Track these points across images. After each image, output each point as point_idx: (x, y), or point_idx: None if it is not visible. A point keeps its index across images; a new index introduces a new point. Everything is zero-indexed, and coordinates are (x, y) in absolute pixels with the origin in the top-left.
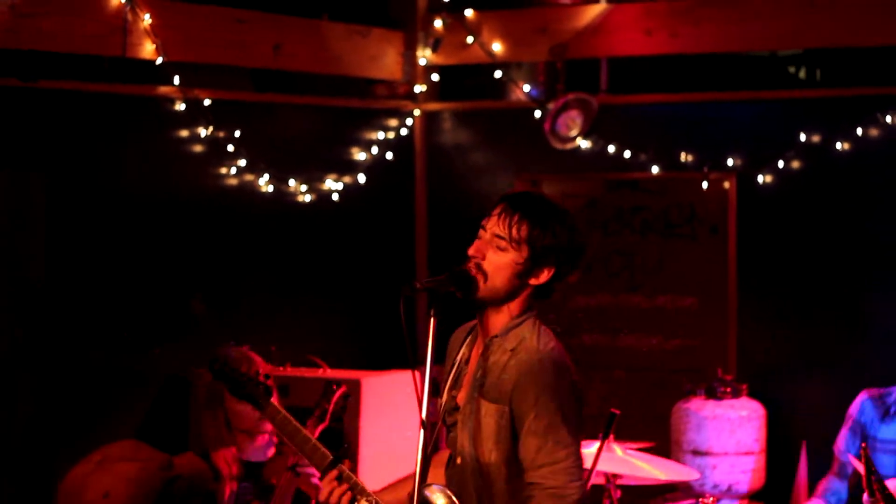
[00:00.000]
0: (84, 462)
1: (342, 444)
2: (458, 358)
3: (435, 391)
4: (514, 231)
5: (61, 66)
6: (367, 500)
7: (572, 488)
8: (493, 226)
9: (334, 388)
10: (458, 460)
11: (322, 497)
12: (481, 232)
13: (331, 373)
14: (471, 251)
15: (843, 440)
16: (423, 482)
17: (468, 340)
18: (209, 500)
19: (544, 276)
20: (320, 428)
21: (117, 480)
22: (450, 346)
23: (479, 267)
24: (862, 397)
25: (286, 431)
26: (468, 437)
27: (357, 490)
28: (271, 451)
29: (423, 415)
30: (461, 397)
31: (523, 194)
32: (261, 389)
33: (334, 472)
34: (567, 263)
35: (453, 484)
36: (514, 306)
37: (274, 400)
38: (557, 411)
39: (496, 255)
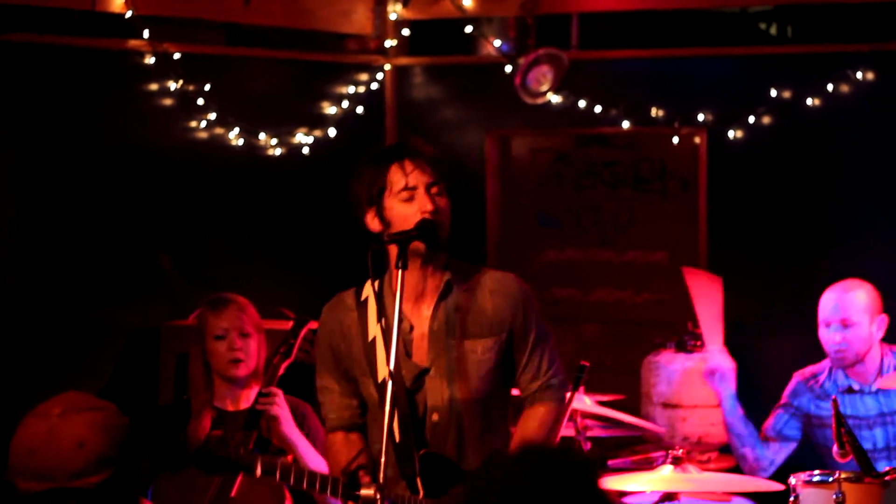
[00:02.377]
0: (37, 417)
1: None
2: (394, 327)
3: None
4: (435, 171)
5: (30, 19)
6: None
7: (565, 377)
8: (420, 177)
9: (301, 321)
10: (435, 417)
11: None
12: (409, 193)
13: None
14: (427, 206)
15: (773, 419)
16: (391, 435)
17: (381, 311)
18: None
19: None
20: (286, 364)
21: (89, 429)
22: (338, 327)
23: (440, 213)
24: (795, 381)
25: (291, 480)
26: (453, 385)
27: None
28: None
29: (391, 367)
30: (423, 359)
31: (406, 145)
32: (241, 452)
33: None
34: None
35: (430, 446)
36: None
37: None
38: (544, 319)
39: (442, 200)
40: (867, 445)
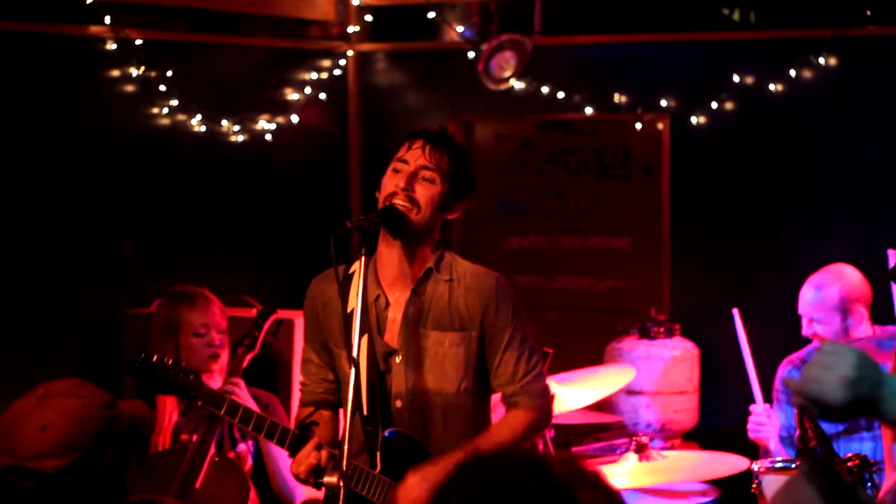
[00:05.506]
0: (25, 396)
1: (276, 372)
2: (363, 303)
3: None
4: (442, 164)
5: None
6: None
7: (549, 390)
8: (419, 158)
9: (265, 313)
10: (398, 403)
11: (312, 463)
12: (400, 165)
13: None
14: (400, 183)
15: (783, 418)
16: (354, 419)
17: (365, 284)
18: (147, 445)
19: (458, 210)
20: (250, 356)
21: (56, 415)
22: (321, 298)
23: (411, 199)
24: (785, 368)
25: (240, 417)
26: (419, 375)
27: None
28: (216, 387)
29: (355, 353)
30: (391, 339)
31: (438, 131)
32: (190, 379)
33: (314, 442)
34: (470, 196)
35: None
36: (432, 241)
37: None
38: (526, 323)
39: (424, 187)
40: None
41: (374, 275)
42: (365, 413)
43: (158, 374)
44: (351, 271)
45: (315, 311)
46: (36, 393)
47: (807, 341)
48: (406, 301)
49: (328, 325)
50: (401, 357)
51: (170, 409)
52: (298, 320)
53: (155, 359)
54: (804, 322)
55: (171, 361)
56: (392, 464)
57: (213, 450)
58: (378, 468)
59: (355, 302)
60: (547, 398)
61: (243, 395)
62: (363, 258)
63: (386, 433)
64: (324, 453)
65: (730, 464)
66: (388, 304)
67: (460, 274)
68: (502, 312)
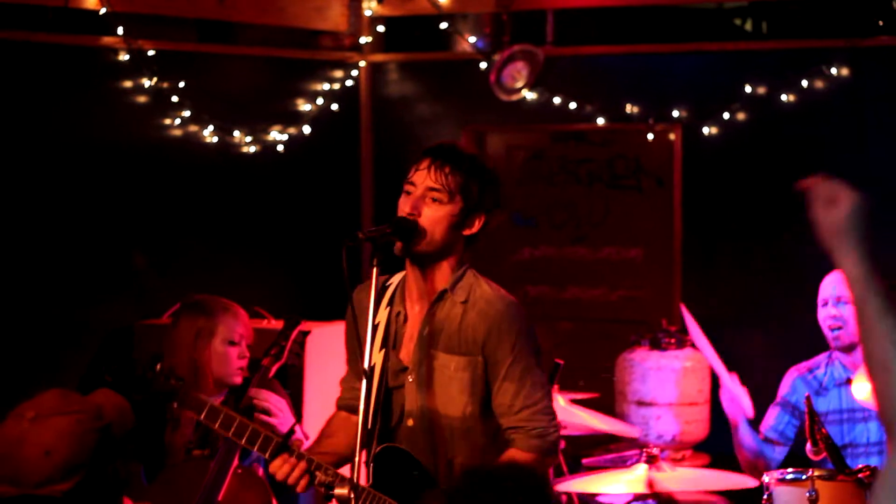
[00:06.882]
0: (13, 419)
1: (285, 379)
2: (388, 316)
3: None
4: (448, 182)
5: (4, 16)
6: (323, 473)
7: (553, 427)
8: (425, 179)
9: (291, 322)
10: (410, 422)
11: (280, 477)
12: (410, 188)
13: (276, 324)
14: (406, 208)
15: (773, 419)
16: (365, 431)
17: (392, 298)
18: (134, 438)
19: (477, 226)
20: (277, 366)
21: (56, 437)
22: (357, 307)
23: (417, 224)
24: (791, 376)
25: (220, 423)
26: (428, 395)
27: (313, 465)
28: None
29: (366, 365)
30: (405, 357)
31: (445, 146)
32: (171, 383)
33: (287, 454)
34: (495, 209)
35: (402, 446)
36: (451, 259)
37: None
38: (531, 355)
39: (432, 209)
40: (861, 440)
41: (402, 290)
42: (368, 426)
43: (138, 375)
44: (388, 283)
45: (351, 318)
46: (26, 415)
47: (815, 351)
48: (421, 320)
49: (356, 332)
50: (413, 376)
51: (186, 423)
52: (311, 331)
53: (139, 368)
54: (827, 310)
55: (158, 367)
56: (384, 479)
57: (236, 462)
58: (370, 482)
59: (382, 315)
60: (546, 439)
61: (272, 406)
62: (376, 270)
63: (379, 449)
64: (300, 464)
65: (737, 481)
66: (406, 320)
67: (477, 297)
68: (505, 340)
